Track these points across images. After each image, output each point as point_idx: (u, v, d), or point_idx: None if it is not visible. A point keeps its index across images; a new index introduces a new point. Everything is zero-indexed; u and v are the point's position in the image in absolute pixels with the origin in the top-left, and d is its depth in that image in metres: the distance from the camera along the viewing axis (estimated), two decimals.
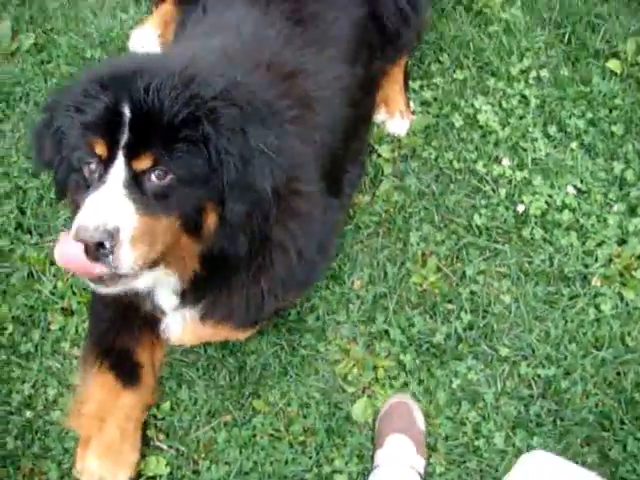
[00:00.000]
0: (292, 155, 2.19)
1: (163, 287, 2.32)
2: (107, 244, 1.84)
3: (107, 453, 2.50)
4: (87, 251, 1.86)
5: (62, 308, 2.86)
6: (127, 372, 2.63)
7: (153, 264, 2.05)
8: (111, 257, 1.87)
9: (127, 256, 1.89)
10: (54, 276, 2.91)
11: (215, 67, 2.18)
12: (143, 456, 2.60)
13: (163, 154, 1.94)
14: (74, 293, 2.87)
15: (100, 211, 1.87)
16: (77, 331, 2.83)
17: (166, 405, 2.69)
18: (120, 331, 2.66)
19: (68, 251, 1.95)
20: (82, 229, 1.84)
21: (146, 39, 3.35)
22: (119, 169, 1.93)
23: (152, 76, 1.97)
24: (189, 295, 2.34)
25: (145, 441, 2.63)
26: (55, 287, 2.89)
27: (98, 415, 2.55)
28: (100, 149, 1.96)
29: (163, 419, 2.69)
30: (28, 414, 2.68)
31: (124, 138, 1.92)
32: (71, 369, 2.77)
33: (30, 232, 3.01)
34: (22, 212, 3.03)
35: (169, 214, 1.98)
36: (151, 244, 1.96)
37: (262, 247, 2.32)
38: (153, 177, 1.95)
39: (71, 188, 2.14)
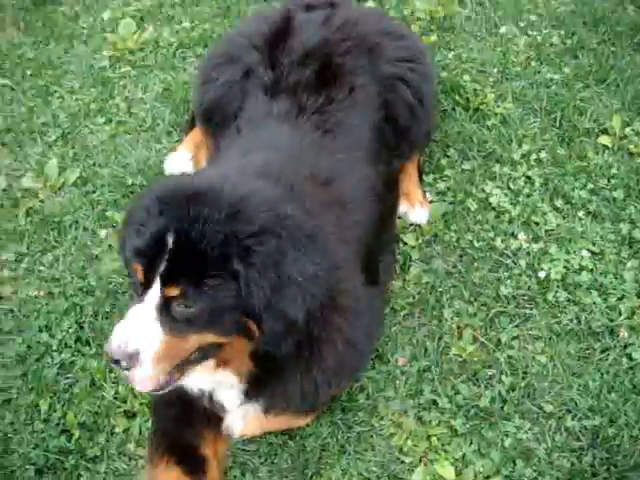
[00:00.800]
0: (336, 260, 2.38)
1: (224, 387, 2.52)
2: (123, 364, 2.15)
3: None
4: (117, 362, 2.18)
5: (125, 411, 2.98)
6: (193, 466, 2.68)
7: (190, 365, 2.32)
8: (128, 373, 2.18)
9: (143, 375, 2.19)
10: (114, 383, 3.05)
11: (261, 191, 2.33)
12: None
13: (189, 288, 2.13)
14: (135, 396, 2.99)
15: (124, 333, 2.16)
16: (141, 432, 2.92)
17: None
18: (184, 428, 2.75)
19: None
20: (109, 345, 2.14)
21: (180, 162, 3.71)
22: (154, 293, 2.17)
23: (202, 205, 2.17)
24: (249, 392, 2.51)
25: None
26: (117, 392, 3.02)
27: None
28: (140, 276, 2.21)
29: None
30: None
31: (161, 267, 2.15)
32: (137, 469, 2.85)
33: (89, 344, 3.18)
34: (80, 327, 3.23)
35: (199, 333, 2.21)
36: (174, 359, 2.23)
37: (309, 343, 2.47)
38: (180, 306, 2.17)
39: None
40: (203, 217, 2.14)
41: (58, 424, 2.98)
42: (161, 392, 2.34)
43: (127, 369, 2.18)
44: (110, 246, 3.51)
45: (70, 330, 3.22)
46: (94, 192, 3.77)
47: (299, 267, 2.19)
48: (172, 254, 2.13)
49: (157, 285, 2.16)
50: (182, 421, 2.77)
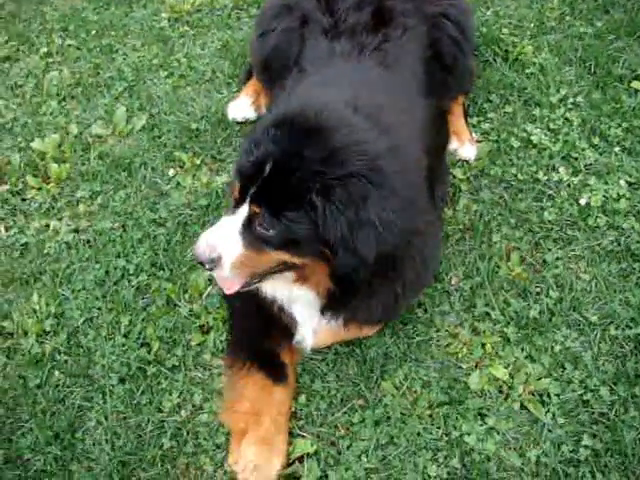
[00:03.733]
0: (415, 194, 2.56)
1: (300, 302, 2.78)
2: (206, 266, 2.46)
3: (263, 443, 2.75)
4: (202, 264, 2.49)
5: (200, 326, 3.20)
6: (275, 371, 2.91)
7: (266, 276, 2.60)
8: (215, 271, 2.50)
9: (224, 274, 2.49)
10: (188, 301, 3.28)
11: (361, 135, 2.44)
12: (289, 443, 2.83)
13: (267, 214, 2.37)
14: (209, 312, 3.23)
15: (211, 240, 2.45)
16: (215, 345, 3.13)
17: (302, 398, 2.95)
18: (262, 338, 2.98)
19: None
20: (196, 248, 2.46)
21: (241, 108, 3.99)
22: (243, 210, 2.44)
23: (305, 142, 2.34)
24: (326, 309, 2.73)
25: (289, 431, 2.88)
26: (191, 310, 3.24)
27: (253, 410, 2.82)
28: (235, 193, 2.47)
29: (301, 410, 2.93)
30: (179, 418, 2.93)
31: (253, 189, 2.40)
32: (212, 378, 3.05)
33: (163, 268, 3.42)
34: (155, 253, 3.47)
35: (276, 252, 2.45)
36: (252, 269, 2.52)
37: (393, 262, 2.63)
38: (260, 227, 2.42)
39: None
40: (302, 154, 2.32)
41: (138, 338, 3.18)
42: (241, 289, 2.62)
43: (210, 270, 2.47)
44: (178, 183, 3.77)
45: (145, 256, 3.46)
46: (160, 137, 4.03)
47: (378, 212, 2.32)
48: (265, 180, 2.36)
49: (247, 204, 2.42)
50: (260, 332, 2.99)
